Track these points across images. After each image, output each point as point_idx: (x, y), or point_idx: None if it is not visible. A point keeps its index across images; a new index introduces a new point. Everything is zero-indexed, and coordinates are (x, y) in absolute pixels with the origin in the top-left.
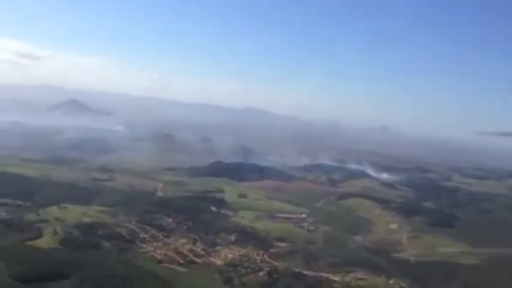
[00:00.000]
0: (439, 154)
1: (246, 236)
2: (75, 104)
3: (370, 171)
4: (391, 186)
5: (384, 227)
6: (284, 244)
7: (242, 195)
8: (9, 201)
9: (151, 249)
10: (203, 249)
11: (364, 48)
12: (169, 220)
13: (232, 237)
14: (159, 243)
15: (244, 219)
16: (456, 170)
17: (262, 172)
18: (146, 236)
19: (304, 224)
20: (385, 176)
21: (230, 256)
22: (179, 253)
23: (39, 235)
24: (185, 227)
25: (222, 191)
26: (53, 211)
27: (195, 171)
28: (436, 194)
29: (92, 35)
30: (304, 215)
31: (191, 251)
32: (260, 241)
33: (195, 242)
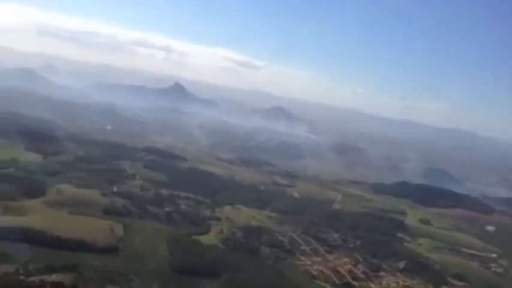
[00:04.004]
0: None
1: (417, 266)
2: (279, 110)
3: None
4: None
5: None
6: (461, 283)
7: (425, 221)
8: (192, 195)
9: (309, 263)
10: (364, 273)
11: None
12: (336, 236)
13: (401, 265)
14: (319, 259)
15: (421, 247)
16: None
17: (454, 199)
18: (307, 248)
19: (493, 265)
20: None
21: (392, 285)
22: (336, 272)
23: (207, 231)
24: (351, 245)
25: (403, 213)
26: (227, 211)
27: (379, 188)
28: None
29: (303, 50)
30: (494, 255)
31: (350, 272)
32: (432, 274)
33: (357, 263)
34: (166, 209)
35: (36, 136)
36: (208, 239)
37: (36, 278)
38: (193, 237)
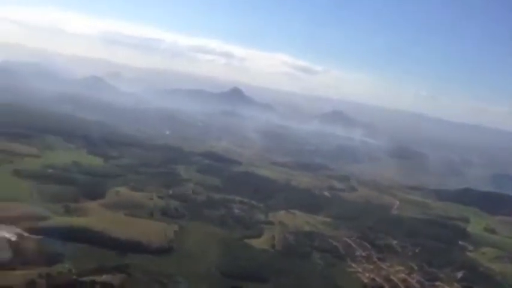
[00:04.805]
0: None
1: (477, 276)
2: (338, 114)
3: None
4: None
5: None
6: None
7: (490, 230)
8: (246, 200)
9: (360, 270)
10: (418, 282)
11: None
12: (394, 242)
13: (459, 274)
14: (371, 266)
15: (483, 256)
16: None
17: None
18: (360, 255)
19: None
20: None
21: None
22: (388, 281)
23: (259, 235)
24: (410, 252)
25: (466, 220)
26: (281, 215)
27: (441, 195)
28: None
29: (364, 54)
30: None
31: (404, 281)
32: (491, 285)
33: (412, 271)
34: (220, 212)
35: (99, 140)
36: (260, 243)
37: (87, 278)
38: (245, 240)
